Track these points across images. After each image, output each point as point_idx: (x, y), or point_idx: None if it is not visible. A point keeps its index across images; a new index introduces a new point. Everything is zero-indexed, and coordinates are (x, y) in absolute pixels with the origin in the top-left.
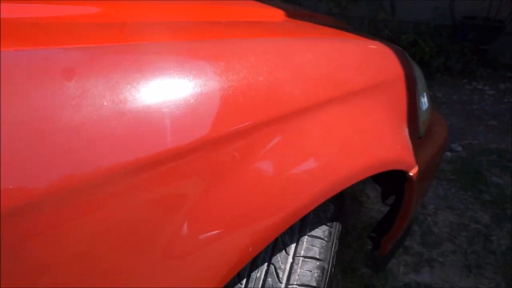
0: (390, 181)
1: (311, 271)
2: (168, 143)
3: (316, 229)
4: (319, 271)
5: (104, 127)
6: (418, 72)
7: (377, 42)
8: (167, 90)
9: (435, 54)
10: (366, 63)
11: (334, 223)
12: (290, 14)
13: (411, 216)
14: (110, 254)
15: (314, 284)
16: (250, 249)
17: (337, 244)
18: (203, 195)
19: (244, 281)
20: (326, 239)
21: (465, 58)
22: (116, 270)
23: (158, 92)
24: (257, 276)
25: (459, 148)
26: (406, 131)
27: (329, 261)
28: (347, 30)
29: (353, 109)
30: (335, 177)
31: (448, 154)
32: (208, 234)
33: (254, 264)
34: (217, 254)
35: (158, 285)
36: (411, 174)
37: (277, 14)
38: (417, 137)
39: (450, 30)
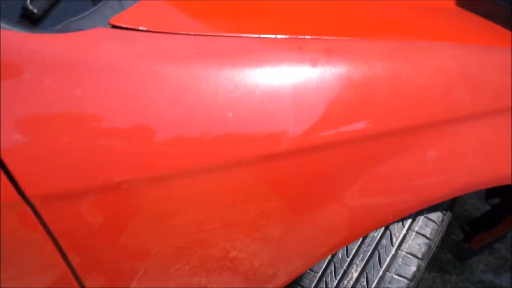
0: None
1: (419, 245)
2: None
3: (432, 213)
4: (426, 247)
5: None
6: None
7: None
8: None
9: None
10: None
11: (448, 212)
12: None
13: None
14: None
15: (419, 256)
16: (391, 217)
17: (445, 230)
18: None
19: (364, 238)
20: (438, 223)
21: None
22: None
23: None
24: (375, 235)
25: None
26: None
27: (435, 243)
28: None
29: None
30: (478, 177)
31: None
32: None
33: None
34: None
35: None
36: None
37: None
38: None
39: None
